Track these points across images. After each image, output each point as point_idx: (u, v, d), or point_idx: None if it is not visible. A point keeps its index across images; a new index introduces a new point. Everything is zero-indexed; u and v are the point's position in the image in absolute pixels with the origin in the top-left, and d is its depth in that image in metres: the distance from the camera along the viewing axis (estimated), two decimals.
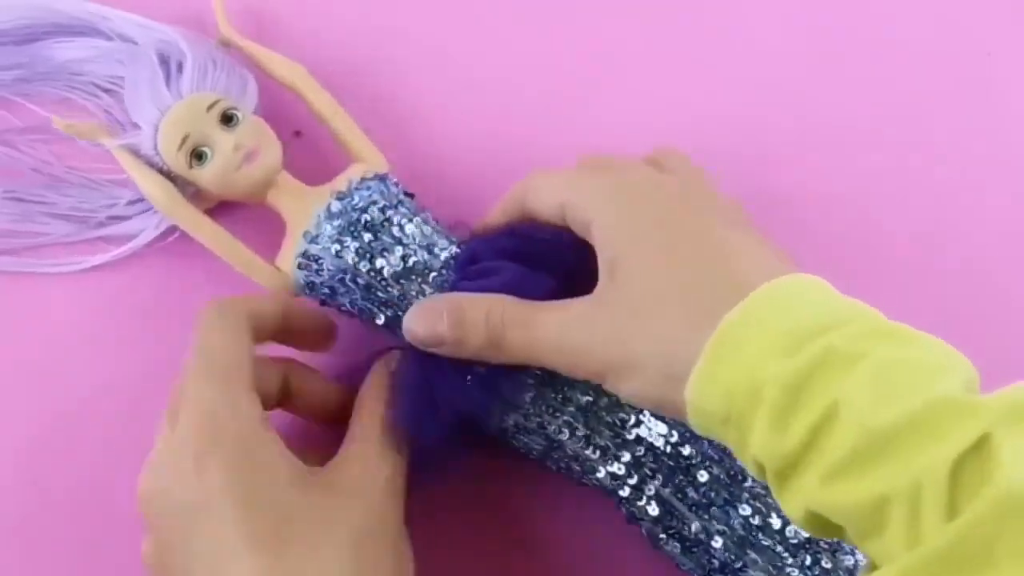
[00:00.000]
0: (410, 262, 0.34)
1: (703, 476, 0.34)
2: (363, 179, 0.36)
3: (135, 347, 0.38)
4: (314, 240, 0.34)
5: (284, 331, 0.33)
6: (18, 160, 0.39)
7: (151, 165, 0.37)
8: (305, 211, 0.35)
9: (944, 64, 0.44)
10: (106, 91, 0.40)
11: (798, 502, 0.26)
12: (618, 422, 0.34)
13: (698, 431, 0.28)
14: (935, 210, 0.42)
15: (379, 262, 0.34)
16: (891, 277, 0.41)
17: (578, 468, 0.34)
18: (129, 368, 0.37)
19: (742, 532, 0.34)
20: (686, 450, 0.34)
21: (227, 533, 0.27)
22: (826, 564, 0.33)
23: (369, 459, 0.31)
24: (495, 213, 0.35)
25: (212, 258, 0.37)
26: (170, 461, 0.29)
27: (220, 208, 0.38)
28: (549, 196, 0.32)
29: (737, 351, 0.26)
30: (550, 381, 0.33)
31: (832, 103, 0.44)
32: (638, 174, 0.33)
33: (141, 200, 0.38)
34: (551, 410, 0.33)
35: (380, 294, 0.34)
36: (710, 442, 0.34)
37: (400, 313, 0.34)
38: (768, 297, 0.26)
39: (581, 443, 0.33)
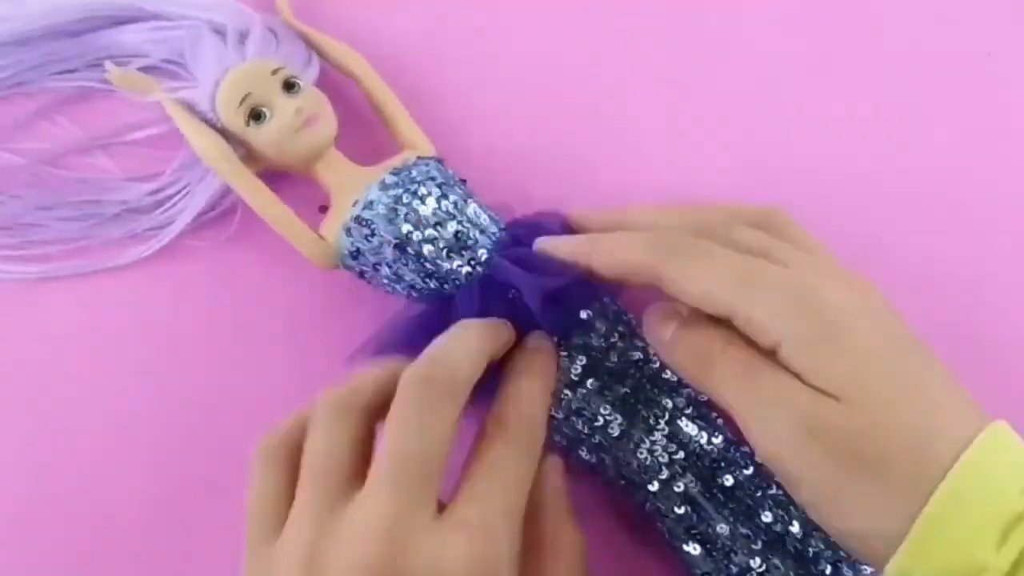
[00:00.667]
0: (462, 237, 0.35)
1: (729, 480, 0.35)
2: (419, 158, 0.37)
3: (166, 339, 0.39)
4: (368, 206, 0.35)
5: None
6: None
7: (206, 123, 0.38)
8: (354, 185, 0.37)
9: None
10: (166, 75, 0.41)
11: None
12: (653, 417, 0.35)
13: None
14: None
15: (430, 232, 0.35)
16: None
17: (609, 459, 0.35)
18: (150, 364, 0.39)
19: (764, 538, 0.34)
20: (716, 452, 0.35)
21: None
22: (846, 573, 0.34)
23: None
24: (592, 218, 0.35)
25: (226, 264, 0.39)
26: None
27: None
28: (695, 285, 0.29)
29: (947, 531, 0.25)
30: (594, 369, 0.34)
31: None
32: (824, 282, 0.29)
33: (164, 191, 0.40)
34: (593, 397, 0.34)
35: (428, 265, 0.35)
36: (737, 447, 0.36)
37: (445, 286, 0.35)
38: (975, 468, 0.25)
39: (617, 432, 0.34)
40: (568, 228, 0.36)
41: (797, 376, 0.28)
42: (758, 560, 0.34)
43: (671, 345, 0.31)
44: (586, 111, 0.44)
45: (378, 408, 0.29)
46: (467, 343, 0.30)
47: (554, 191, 0.41)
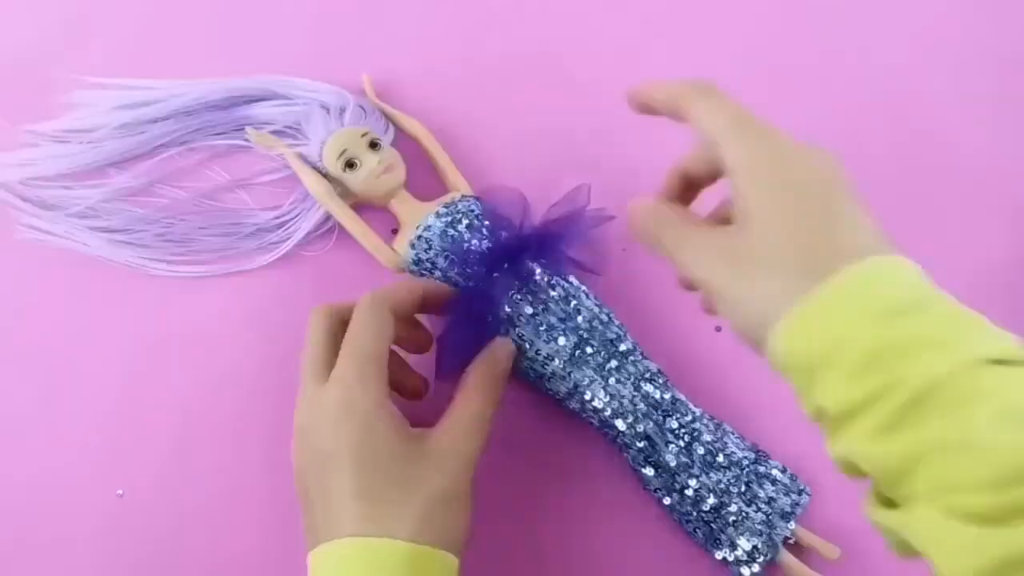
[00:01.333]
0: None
1: (674, 424, 0.48)
2: (464, 196, 0.51)
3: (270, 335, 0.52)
4: (427, 229, 0.49)
5: (420, 306, 0.45)
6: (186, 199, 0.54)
7: (315, 169, 0.52)
8: (417, 214, 0.50)
9: None
10: (287, 136, 0.54)
11: (842, 447, 0.30)
12: (623, 380, 0.47)
13: (772, 366, 0.32)
14: None
15: (469, 245, 0.48)
16: None
17: (593, 412, 0.47)
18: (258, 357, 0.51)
19: (700, 464, 0.47)
20: (666, 404, 0.48)
21: (344, 481, 0.38)
22: (761, 468, 0.47)
23: (457, 437, 0.41)
24: (646, 97, 0.39)
25: (323, 277, 0.52)
26: (317, 414, 0.40)
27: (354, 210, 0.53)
28: (711, 123, 0.34)
29: (830, 312, 0.29)
30: (585, 344, 0.47)
31: None
32: (786, 143, 0.34)
33: (283, 217, 0.53)
34: (581, 367, 0.47)
35: (468, 269, 0.48)
36: (682, 401, 0.48)
37: (479, 283, 0.48)
38: (866, 272, 0.29)
39: (600, 393, 0.47)
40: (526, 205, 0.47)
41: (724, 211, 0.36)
42: (695, 481, 0.47)
43: (642, 227, 0.37)
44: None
45: (406, 309, 0.44)
46: (410, 284, 0.45)
47: None
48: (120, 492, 0.50)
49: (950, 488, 0.26)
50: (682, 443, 0.47)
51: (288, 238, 0.53)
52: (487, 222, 0.48)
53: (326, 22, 0.59)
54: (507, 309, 0.47)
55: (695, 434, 0.48)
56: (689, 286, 0.41)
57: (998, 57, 0.61)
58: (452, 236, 0.48)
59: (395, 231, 0.52)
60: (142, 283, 0.53)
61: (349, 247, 0.52)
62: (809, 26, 0.61)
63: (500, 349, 0.46)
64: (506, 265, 0.47)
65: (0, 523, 0.49)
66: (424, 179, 0.54)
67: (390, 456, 0.39)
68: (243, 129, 0.55)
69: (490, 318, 0.46)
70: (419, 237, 0.49)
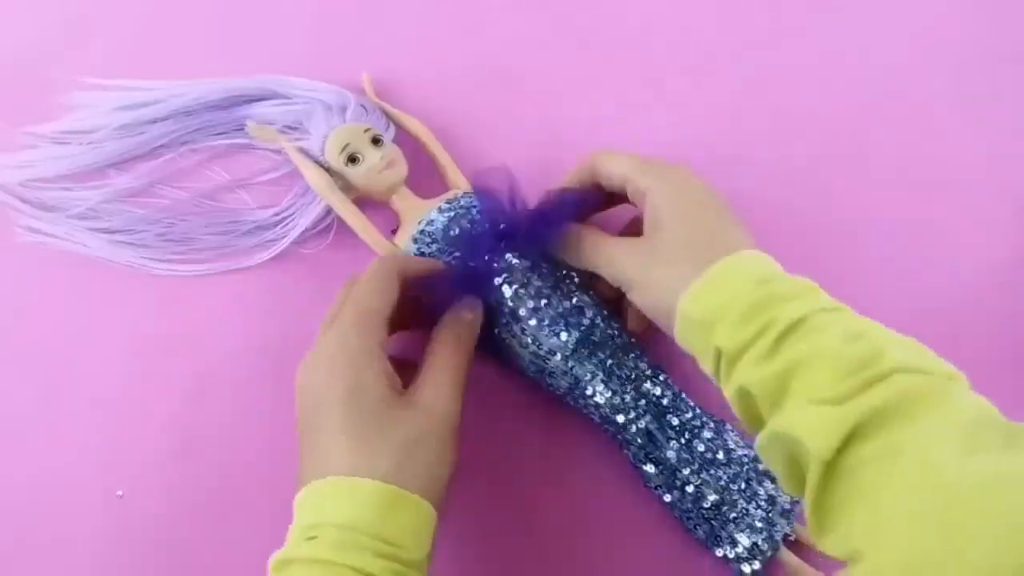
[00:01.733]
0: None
1: (675, 421, 0.48)
2: (466, 193, 0.51)
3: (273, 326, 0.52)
4: (429, 223, 0.49)
5: (426, 281, 0.46)
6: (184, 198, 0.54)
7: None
8: (418, 211, 0.50)
9: None
10: (287, 135, 0.54)
11: (735, 381, 0.38)
12: (625, 377, 0.47)
13: (679, 336, 0.42)
14: None
15: (470, 237, 0.48)
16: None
17: (595, 408, 0.47)
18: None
19: (700, 460, 0.47)
20: (667, 401, 0.48)
21: (333, 418, 0.40)
22: (756, 487, 0.47)
23: (437, 390, 0.43)
24: (570, 178, 0.48)
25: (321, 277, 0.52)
26: (316, 356, 0.42)
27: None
28: (617, 168, 0.46)
29: (718, 285, 0.40)
30: (587, 340, 0.47)
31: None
32: (678, 169, 0.45)
33: (281, 215, 0.53)
34: (584, 363, 0.47)
35: (468, 261, 0.48)
36: (683, 399, 0.49)
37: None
38: (741, 258, 0.41)
39: (601, 388, 0.47)
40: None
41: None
42: (696, 477, 0.47)
43: (569, 248, 0.47)
44: None
45: (413, 280, 0.45)
46: (421, 259, 0.48)
47: None
48: (120, 492, 0.50)
49: (813, 387, 0.35)
50: (683, 440, 0.47)
51: (285, 235, 0.53)
52: (479, 205, 0.48)
53: (326, 22, 0.59)
54: (510, 304, 0.47)
55: (695, 431, 0.48)
56: (610, 298, 0.49)
57: (998, 57, 0.61)
58: (455, 233, 0.48)
59: (394, 231, 0.52)
60: (142, 283, 0.53)
61: (347, 244, 0.53)
62: (809, 26, 0.61)
63: (464, 307, 0.47)
64: (502, 245, 0.47)
65: (0, 523, 0.49)
66: (423, 178, 0.54)
67: (378, 398, 0.41)
68: (243, 129, 0.55)
69: (481, 293, 0.47)
70: (422, 232, 0.49)
